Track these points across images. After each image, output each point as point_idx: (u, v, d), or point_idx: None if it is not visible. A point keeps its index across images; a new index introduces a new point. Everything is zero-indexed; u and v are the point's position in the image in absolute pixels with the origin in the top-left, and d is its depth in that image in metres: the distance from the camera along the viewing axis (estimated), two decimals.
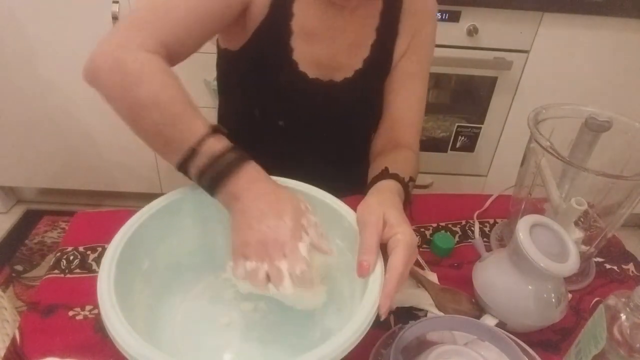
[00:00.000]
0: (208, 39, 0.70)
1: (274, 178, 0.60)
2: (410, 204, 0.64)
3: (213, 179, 0.55)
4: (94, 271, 0.69)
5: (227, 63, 0.84)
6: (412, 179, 0.71)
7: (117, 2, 1.38)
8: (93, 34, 1.43)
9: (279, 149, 0.85)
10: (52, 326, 0.61)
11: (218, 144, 0.56)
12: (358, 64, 0.79)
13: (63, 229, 1.79)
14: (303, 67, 0.77)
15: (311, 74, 0.78)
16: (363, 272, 0.53)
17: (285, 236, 0.52)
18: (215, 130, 0.57)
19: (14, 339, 0.59)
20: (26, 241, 1.73)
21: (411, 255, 0.54)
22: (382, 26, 0.78)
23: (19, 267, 1.62)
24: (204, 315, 0.63)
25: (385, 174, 0.67)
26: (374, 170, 0.73)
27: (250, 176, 0.56)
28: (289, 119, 0.83)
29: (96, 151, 1.69)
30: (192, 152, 0.55)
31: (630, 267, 0.79)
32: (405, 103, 0.83)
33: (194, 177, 0.57)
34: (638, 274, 0.78)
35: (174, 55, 0.64)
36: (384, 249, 0.56)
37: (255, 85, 0.80)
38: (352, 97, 0.82)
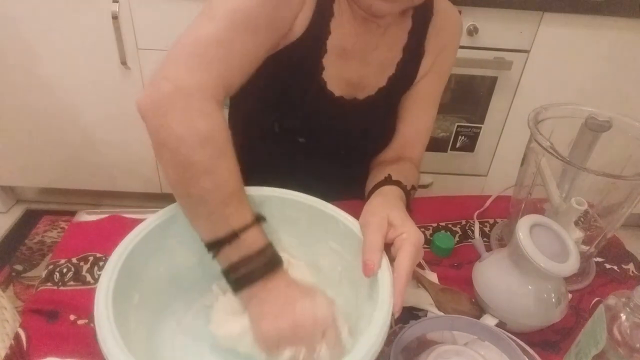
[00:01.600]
0: (254, 70, 0.65)
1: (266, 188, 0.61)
2: (411, 212, 0.65)
3: (244, 275, 0.53)
4: (88, 282, 0.68)
5: None
6: (414, 188, 0.72)
7: (117, 2, 1.38)
8: (93, 34, 1.44)
9: (294, 161, 0.84)
10: (58, 330, 0.61)
11: (259, 239, 0.54)
12: (383, 82, 0.78)
13: (63, 228, 1.79)
14: (331, 86, 0.75)
15: (337, 92, 0.76)
16: (368, 271, 0.53)
17: (324, 319, 0.51)
18: (258, 220, 0.55)
19: (18, 340, 0.59)
20: (26, 241, 1.73)
21: (417, 252, 0.54)
22: (409, 45, 0.77)
23: (19, 267, 1.62)
24: (203, 339, 0.60)
25: (388, 180, 0.67)
26: (375, 177, 0.72)
27: (278, 282, 0.54)
28: (309, 135, 0.81)
29: (96, 151, 1.69)
30: (232, 236, 0.52)
31: (630, 267, 0.79)
32: (418, 122, 0.83)
33: (221, 262, 0.54)
34: (638, 274, 0.78)
35: (227, 95, 0.61)
36: (388, 250, 0.56)
37: (278, 99, 0.77)
38: (373, 114, 0.80)
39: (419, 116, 0.83)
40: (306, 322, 0.50)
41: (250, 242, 0.53)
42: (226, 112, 0.92)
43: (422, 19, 0.77)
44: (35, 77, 1.53)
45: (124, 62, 1.48)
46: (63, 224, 1.81)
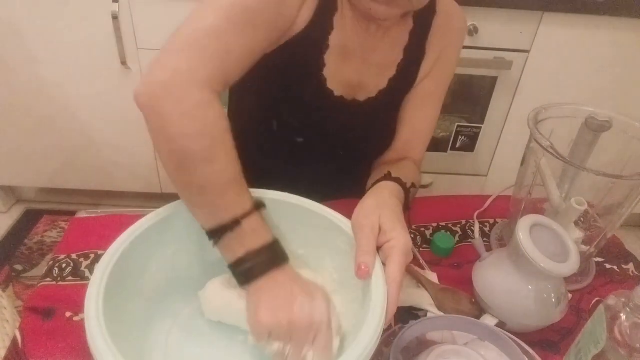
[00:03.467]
0: (254, 63, 0.65)
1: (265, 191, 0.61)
2: (409, 210, 0.64)
3: (250, 269, 0.53)
4: (87, 278, 0.68)
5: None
6: (414, 185, 0.71)
7: (117, 2, 1.38)
8: (93, 34, 1.44)
9: (292, 160, 0.83)
10: (53, 328, 0.61)
11: (262, 231, 0.54)
12: (383, 84, 0.77)
13: (63, 228, 1.79)
14: (331, 84, 0.74)
15: (337, 92, 0.75)
16: (362, 274, 0.53)
17: (320, 323, 0.50)
18: (258, 207, 0.55)
19: (15, 341, 0.59)
20: (26, 241, 1.73)
21: (406, 259, 0.54)
22: (410, 46, 0.76)
23: (19, 267, 1.62)
24: (198, 336, 0.60)
25: (387, 177, 0.67)
26: (375, 176, 0.72)
27: (284, 276, 0.54)
28: (308, 135, 0.80)
29: (96, 151, 1.69)
30: (234, 222, 0.53)
31: (630, 267, 0.79)
32: (420, 123, 0.82)
33: (225, 252, 0.54)
34: (638, 274, 0.78)
35: (224, 87, 0.61)
36: (377, 254, 0.55)
37: (278, 96, 0.76)
38: (374, 116, 0.79)
39: (418, 117, 0.82)
40: (302, 321, 0.50)
41: (251, 230, 0.53)
42: (225, 110, 0.93)
43: (424, 19, 0.76)
44: (35, 77, 1.53)
45: (124, 62, 1.48)
46: (63, 224, 1.81)
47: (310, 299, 0.52)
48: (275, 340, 0.51)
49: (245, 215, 0.53)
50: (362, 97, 0.77)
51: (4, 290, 1.38)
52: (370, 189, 0.67)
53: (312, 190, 0.65)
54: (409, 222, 0.58)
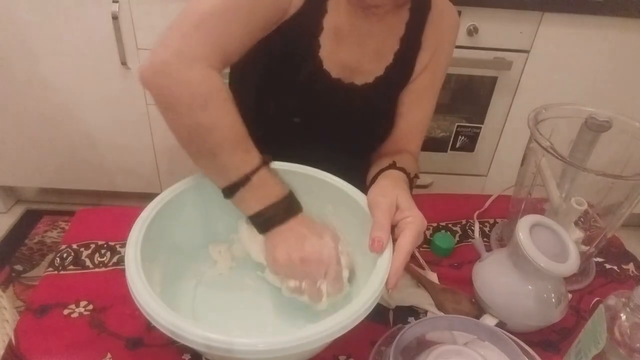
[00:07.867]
0: (253, 44, 0.69)
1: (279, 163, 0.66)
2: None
3: (267, 219, 0.60)
4: (87, 267, 0.70)
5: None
6: (416, 176, 0.74)
7: (117, 2, 1.38)
8: (93, 34, 1.44)
9: (289, 143, 0.84)
10: (48, 325, 0.61)
11: (274, 184, 0.61)
12: (380, 71, 0.79)
13: (63, 228, 1.79)
14: (327, 65, 0.76)
15: (334, 74, 0.77)
16: (376, 247, 0.56)
17: (329, 258, 0.58)
18: (266, 162, 0.61)
19: (10, 340, 0.59)
20: (26, 241, 1.73)
21: (419, 237, 0.56)
22: (406, 36, 0.78)
23: (19, 267, 1.62)
24: (222, 290, 0.67)
25: (393, 166, 0.70)
26: (379, 165, 0.74)
27: (297, 223, 0.61)
28: (305, 116, 0.82)
29: (96, 151, 1.69)
30: (245, 179, 0.58)
31: (630, 267, 0.79)
32: (417, 116, 0.85)
33: (241, 206, 0.61)
34: (638, 274, 0.78)
35: (226, 66, 0.65)
36: (392, 231, 0.58)
37: (275, 78, 0.79)
38: (369, 101, 0.81)
39: (415, 111, 0.84)
40: (313, 257, 0.57)
41: (261, 184, 0.59)
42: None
43: (419, 12, 0.78)
44: (35, 77, 1.53)
45: (124, 62, 1.48)
46: (63, 224, 1.81)
47: (319, 238, 0.59)
48: (291, 278, 0.58)
49: (254, 171, 0.59)
50: (359, 81, 0.80)
51: (4, 291, 1.38)
52: (376, 175, 0.70)
53: None
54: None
